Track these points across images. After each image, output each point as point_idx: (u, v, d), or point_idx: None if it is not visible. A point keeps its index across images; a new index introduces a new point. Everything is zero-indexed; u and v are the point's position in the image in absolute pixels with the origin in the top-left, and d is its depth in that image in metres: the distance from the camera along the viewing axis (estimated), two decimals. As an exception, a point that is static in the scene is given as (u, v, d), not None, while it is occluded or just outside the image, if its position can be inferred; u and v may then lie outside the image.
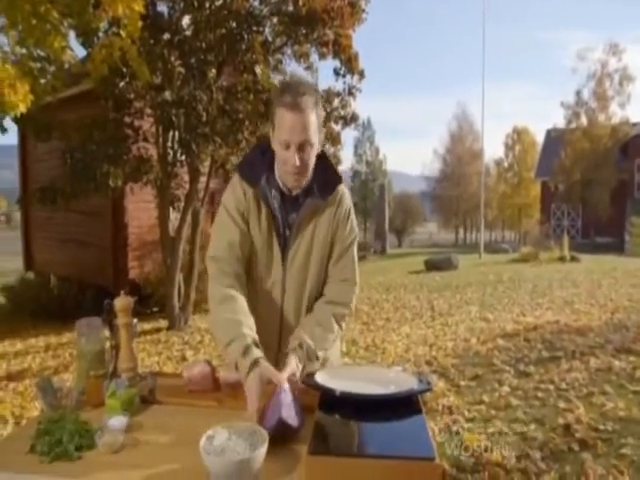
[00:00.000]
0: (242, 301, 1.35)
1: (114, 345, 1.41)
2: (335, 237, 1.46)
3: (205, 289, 1.43)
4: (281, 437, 1.02)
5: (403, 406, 1.08)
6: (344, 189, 1.50)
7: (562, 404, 3.22)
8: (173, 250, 6.58)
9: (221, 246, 1.41)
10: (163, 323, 6.80)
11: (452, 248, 25.79)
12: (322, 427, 1.00)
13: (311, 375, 1.22)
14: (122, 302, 1.38)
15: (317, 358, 1.40)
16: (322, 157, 1.45)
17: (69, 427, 1.08)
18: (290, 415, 1.06)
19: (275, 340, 1.49)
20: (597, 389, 3.44)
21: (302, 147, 1.31)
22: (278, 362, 1.49)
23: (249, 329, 1.28)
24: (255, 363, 1.18)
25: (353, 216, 1.51)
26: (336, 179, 1.47)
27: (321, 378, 1.19)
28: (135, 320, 1.43)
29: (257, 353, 1.22)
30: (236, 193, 1.44)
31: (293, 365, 1.30)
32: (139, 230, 8.24)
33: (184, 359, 5.12)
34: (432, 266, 12.49)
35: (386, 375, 1.27)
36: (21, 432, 1.23)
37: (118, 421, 1.10)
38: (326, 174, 1.45)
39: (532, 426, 2.90)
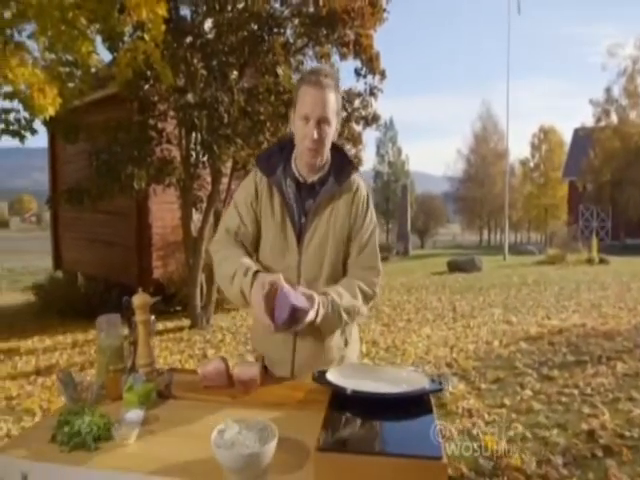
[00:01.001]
0: (244, 253, 1.47)
1: (132, 341, 1.44)
2: (354, 228, 1.49)
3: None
4: (295, 322, 1.22)
5: (414, 406, 1.08)
6: (359, 178, 1.54)
7: (586, 409, 3.14)
8: (195, 250, 6.67)
9: (220, 234, 1.56)
10: (186, 322, 6.90)
11: (476, 249, 25.38)
12: (332, 424, 1.01)
13: (323, 373, 1.23)
14: (140, 299, 1.42)
15: (340, 318, 1.39)
16: (338, 149, 1.53)
17: (88, 419, 1.11)
18: (299, 300, 1.22)
19: (291, 335, 1.47)
20: (624, 395, 3.35)
21: (320, 123, 1.38)
22: (294, 362, 1.48)
23: (248, 261, 1.42)
24: (254, 276, 1.33)
25: (371, 205, 1.54)
26: (351, 167, 1.52)
27: (332, 376, 1.20)
28: (153, 317, 1.45)
29: (255, 267, 1.37)
30: (248, 187, 1.53)
31: (314, 295, 1.31)
32: (163, 230, 8.38)
33: (205, 357, 5.18)
34: (455, 267, 12.34)
35: (398, 374, 1.27)
36: (44, 422, 1.27)
37: (135, 414, 1.13)
38: (342, 164, 1.51)
39: (554, 431, 2.84)
